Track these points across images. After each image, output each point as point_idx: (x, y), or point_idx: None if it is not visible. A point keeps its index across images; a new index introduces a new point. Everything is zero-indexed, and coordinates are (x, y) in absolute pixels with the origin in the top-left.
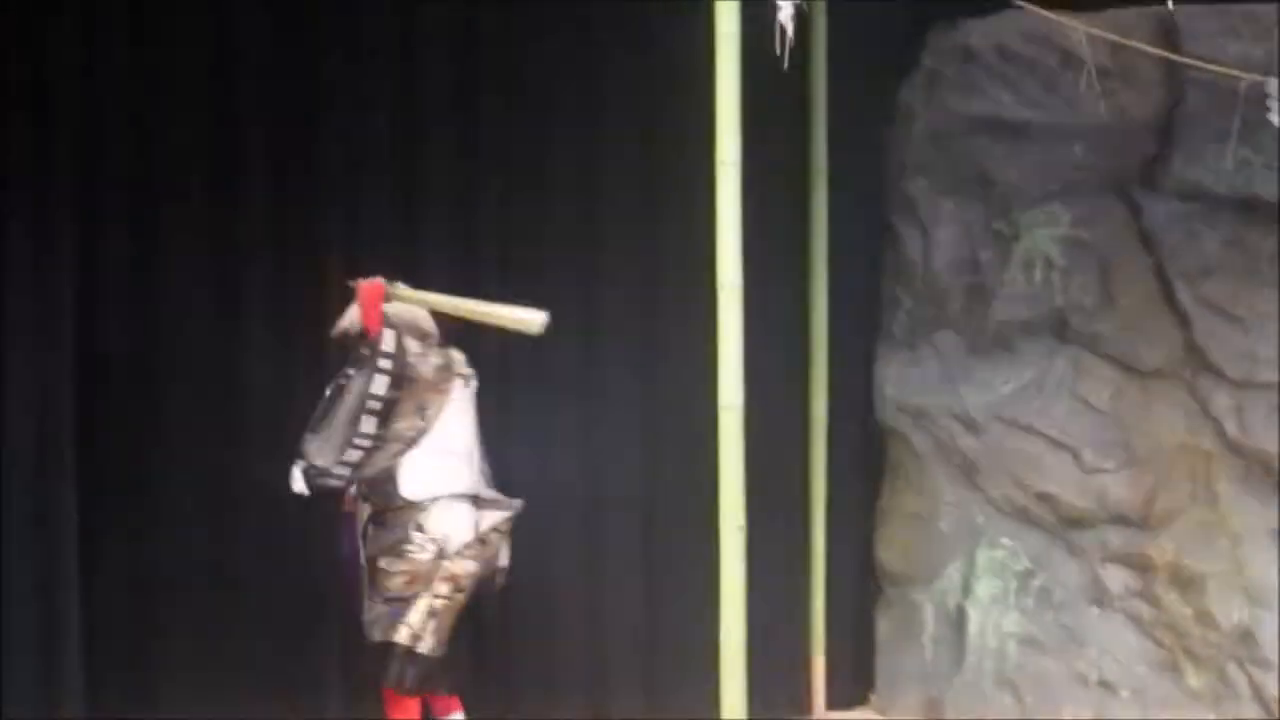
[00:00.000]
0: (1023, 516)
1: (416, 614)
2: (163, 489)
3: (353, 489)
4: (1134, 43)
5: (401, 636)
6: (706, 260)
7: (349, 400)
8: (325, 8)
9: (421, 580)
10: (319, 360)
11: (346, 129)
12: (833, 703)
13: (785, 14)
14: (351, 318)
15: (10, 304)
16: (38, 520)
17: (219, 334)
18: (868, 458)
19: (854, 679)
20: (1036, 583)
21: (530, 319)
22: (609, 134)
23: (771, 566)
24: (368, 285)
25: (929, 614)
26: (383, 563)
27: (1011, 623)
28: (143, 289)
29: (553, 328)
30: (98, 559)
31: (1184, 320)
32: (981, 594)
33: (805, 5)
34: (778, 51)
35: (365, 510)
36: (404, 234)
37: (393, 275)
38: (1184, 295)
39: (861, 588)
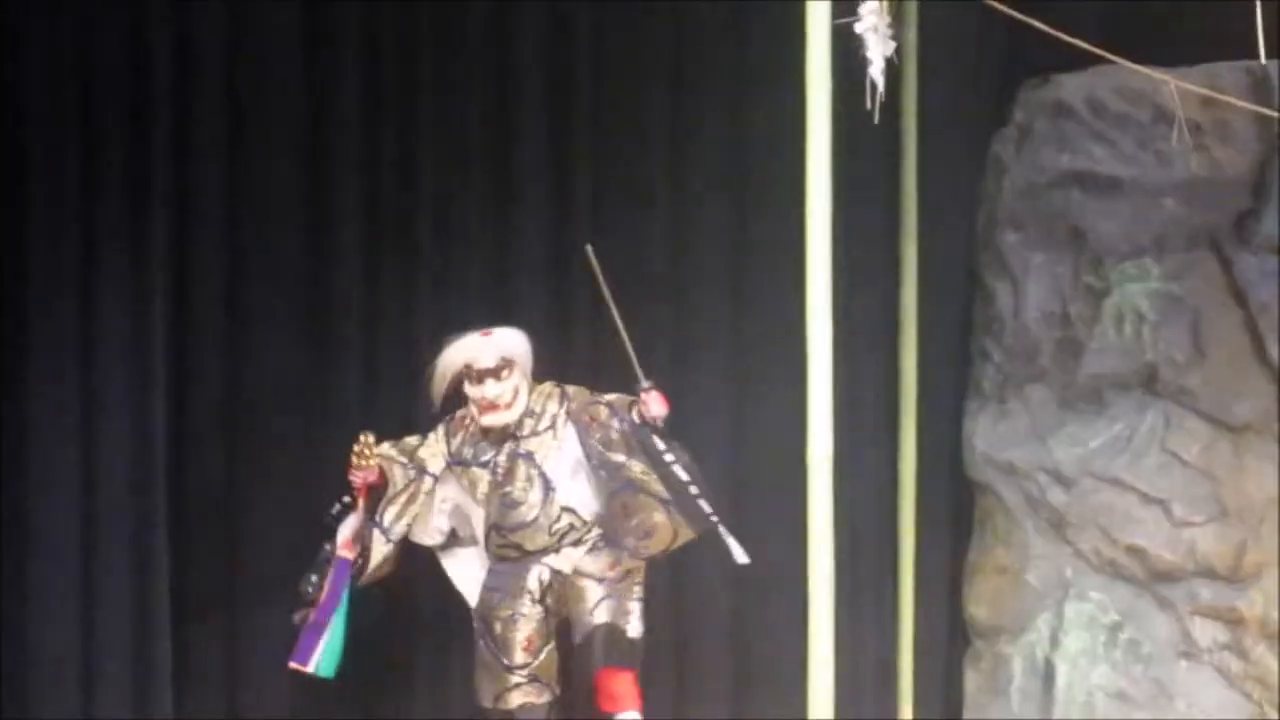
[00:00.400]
0: (1112, 570)
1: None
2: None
3: None
4: (1226, 97)
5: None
6: (797, 313)
7: None
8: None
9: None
10: (410, 377)
11: (441, 136)
12: None
13: (877, 69)
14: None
15: (103, 317)
16: (132, 539)
17: (311, 348)
18: (957, 511)
19: None
20: (1125, 636)
21: None
22: (698, 197)
23: (862, 618)
24: None
25: (1017, 667)
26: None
27: (1100, 676)
28: (235, 304)
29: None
30: (188, 578)
31: (1275, 375)
32: (1070, 647)
33: (896, 59)
34: (869, 106)
35: None
36: (497, 241)
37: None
38: (1275, 350)
39: (950, 641)
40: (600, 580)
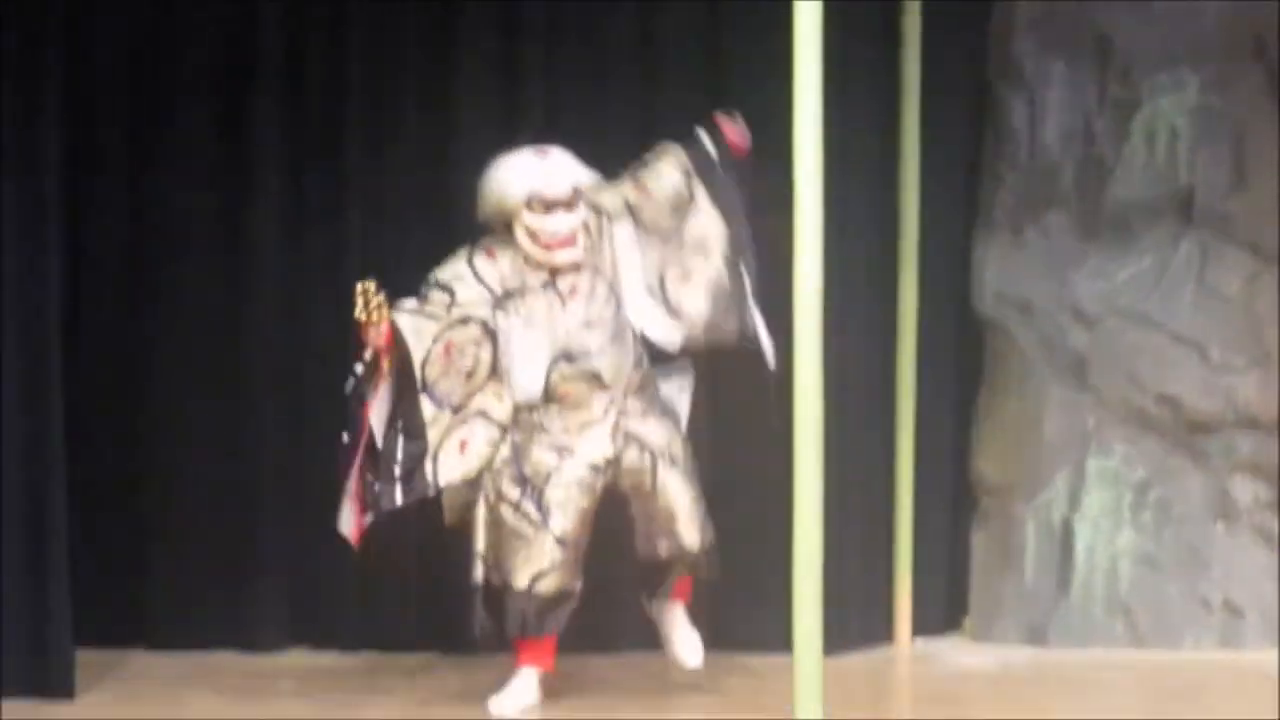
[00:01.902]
0: (1139, 421)
1: None
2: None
3: None
4: None
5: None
6: (782, 134)
7: None
8: None
9: None
10: (337, 255)
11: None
12: (921, 629)
13: None
14: None
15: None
16: (28, 429)
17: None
18: (964, 355)
19: (945, 603)
20: (1154, 495)
21: None
22: None
23: (853, 475)
24: None
25: (1031, 531)
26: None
27: (1125, 540)
28: (137, 185)
29: None
30: (89, 477)
31: None
32: (1091, 508)
33: None
34: None
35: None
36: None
37: None
38: None
39: (955, 501)
40: (689, 479)
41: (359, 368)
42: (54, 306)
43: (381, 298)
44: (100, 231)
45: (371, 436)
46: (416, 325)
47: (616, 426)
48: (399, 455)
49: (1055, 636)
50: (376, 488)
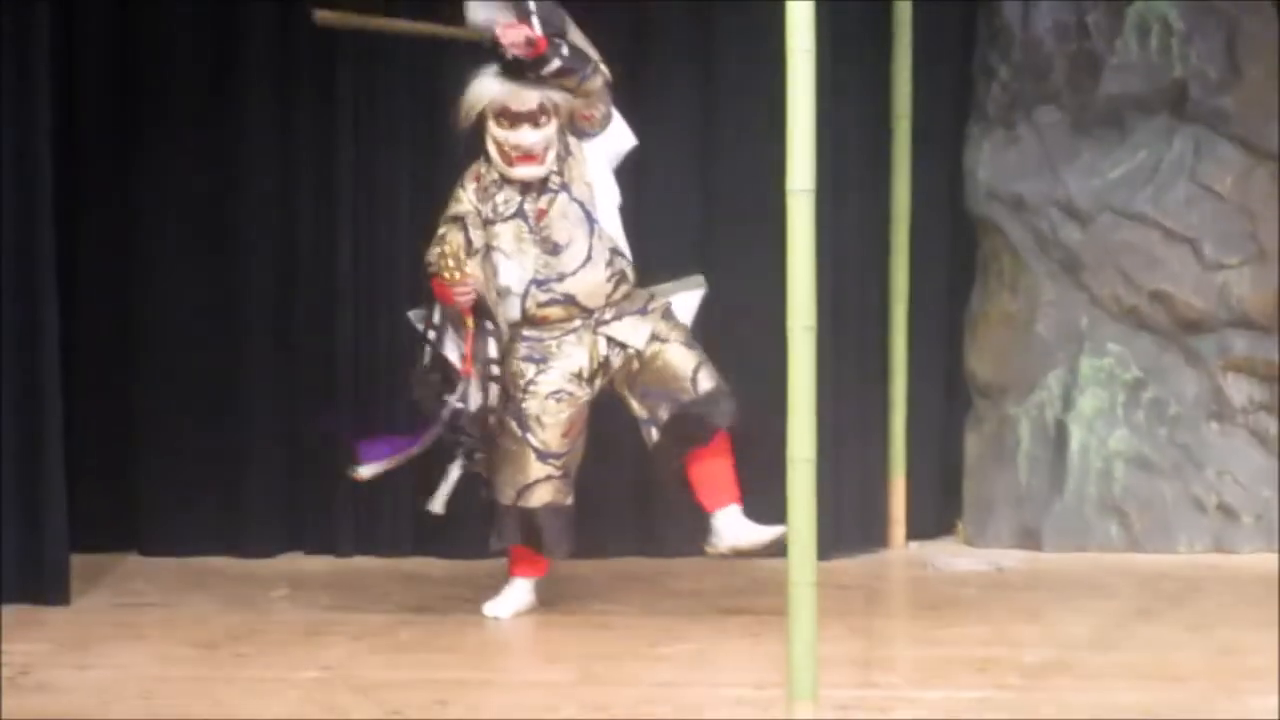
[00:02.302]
0: (1133, 319)
1: None
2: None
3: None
4: None
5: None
6: (777, 28)
7: None
8: None
9: None
10: (327, 148)
11: None
12: (914, 532)
13: None
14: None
15: None
16: (12, 328)
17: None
18: (956, 252)
19: (938, 505)
20: (1148, 395)
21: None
22: None
23: (845, 376)
24: None
25: (1024, 431)
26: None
27: (1119, 440)
28: (128, 72)
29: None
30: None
31: None
32: (1085, 408)
33: None
34: None
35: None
36: None
37: None
38: None
39: (948, 401)
40: (688, 345)
41: (431, 333)
42: (45, 211)
43: (461, 255)
44: (95, 121)
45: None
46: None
47: (594, 335)
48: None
49: (1049, 538)
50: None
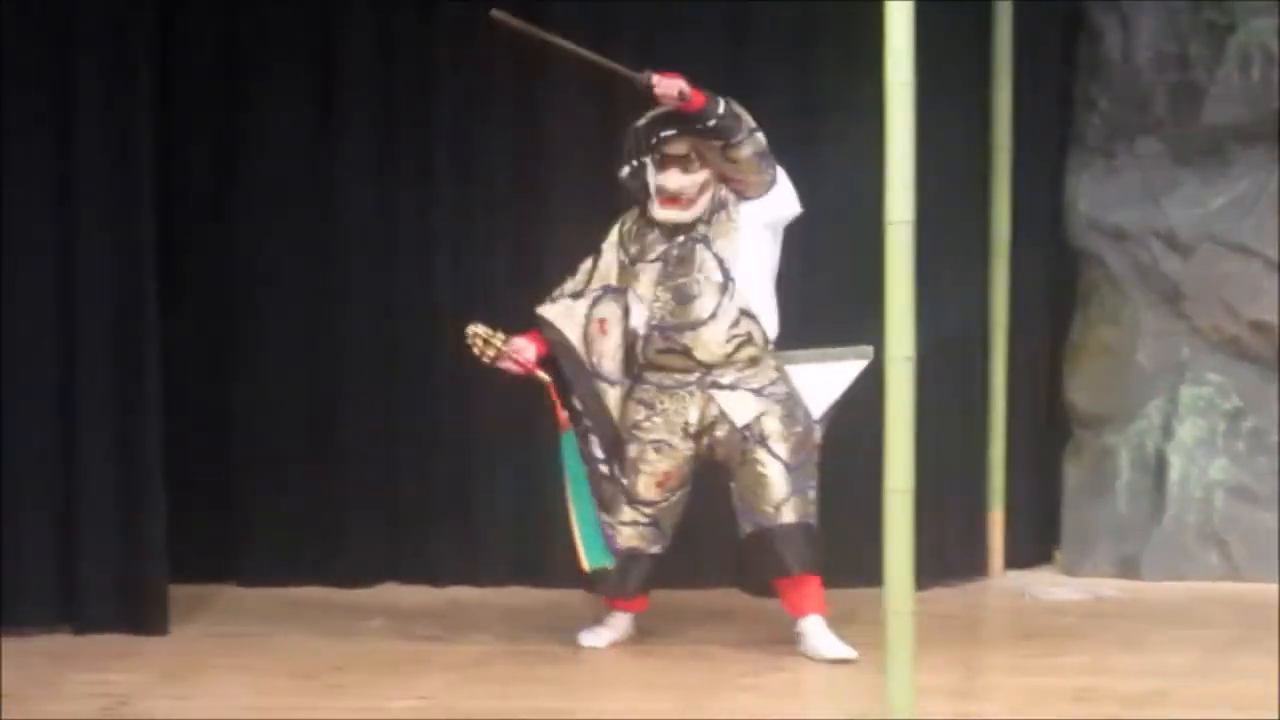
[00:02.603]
0: (1234, 349)
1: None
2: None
3: None
4: None
5: (811, 514)
6: (875, 63)
7: None
8: None
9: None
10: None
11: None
12: (1012, 561)
13: None
14: None
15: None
16: (117, 359)
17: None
18: (1056, 283)
19: (1037, 535)
20: (1248, 424)
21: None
22: None
23: (945, 406)
24: None
25: (1124, 460)
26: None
27: (1219, 470)
28: (227, 101)
29: None
30: (183, 415)
31: None
32: (1185, 437)
33: None
34: None
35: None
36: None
37: None
38: None
39: (1047, 431)
40: (789, 468)
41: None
42: (148, 240)
43: (485, 331)
44: (191, 170)
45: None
46: (564, 309)
47: (707, 396)
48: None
49: (1148, 568)
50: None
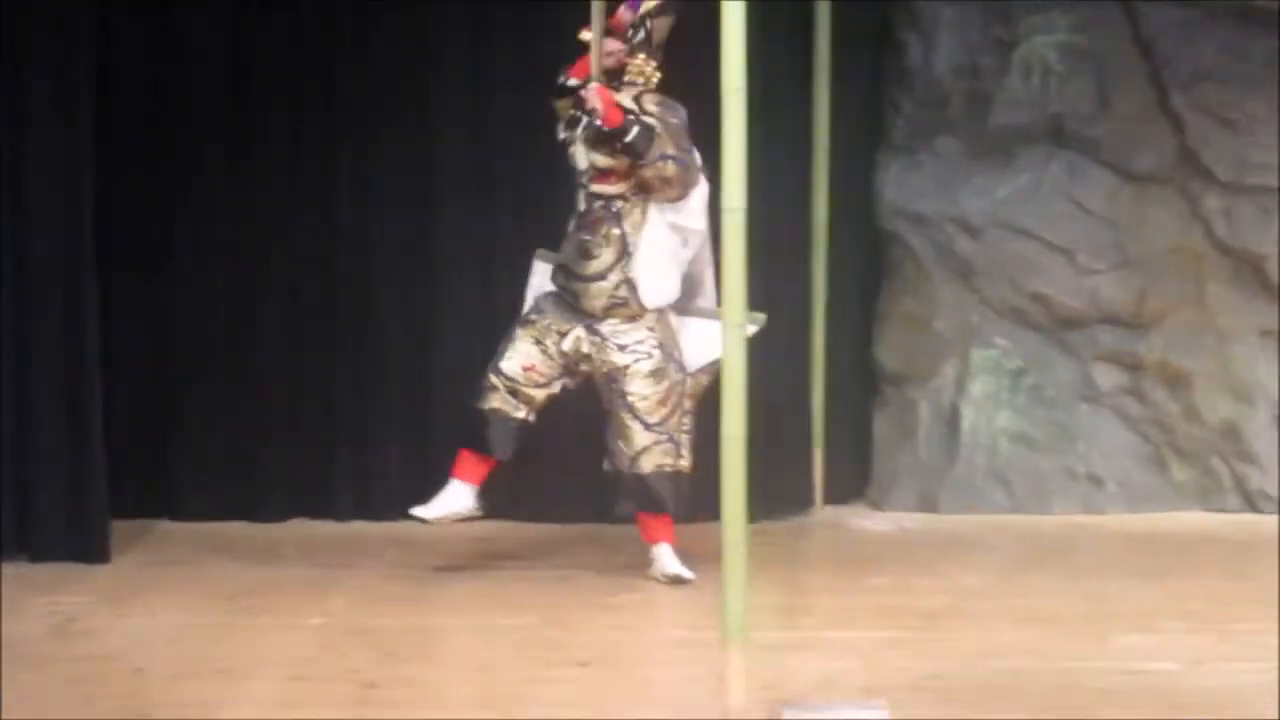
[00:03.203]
0: (1017, 317)
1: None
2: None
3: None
4: None
5: (684, 461)
6: (712, 77)
7: None
8: None
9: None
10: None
11: None
12: (831, 499)
13: None
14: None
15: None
16: (63, 289)
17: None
18: (866, 261)
19: (851, 475)
20: (1029, 381)
21: None
22: None
23: (775, 365)
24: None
25: (924, 412)
26: (636, 387)
27: (1004, 420)
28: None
29: None
30: (120, 362)
31: (1178, 125)
32: (976, 392)
33: None
34: None
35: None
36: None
37: None
38: (1179, 100)
39: (860, 386)
40: (646, 425)
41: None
42: (86, 181)
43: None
44: (128, 111)
45: None
46: None
47: (584, 334)
48: None
49: (945, 503)
50: None
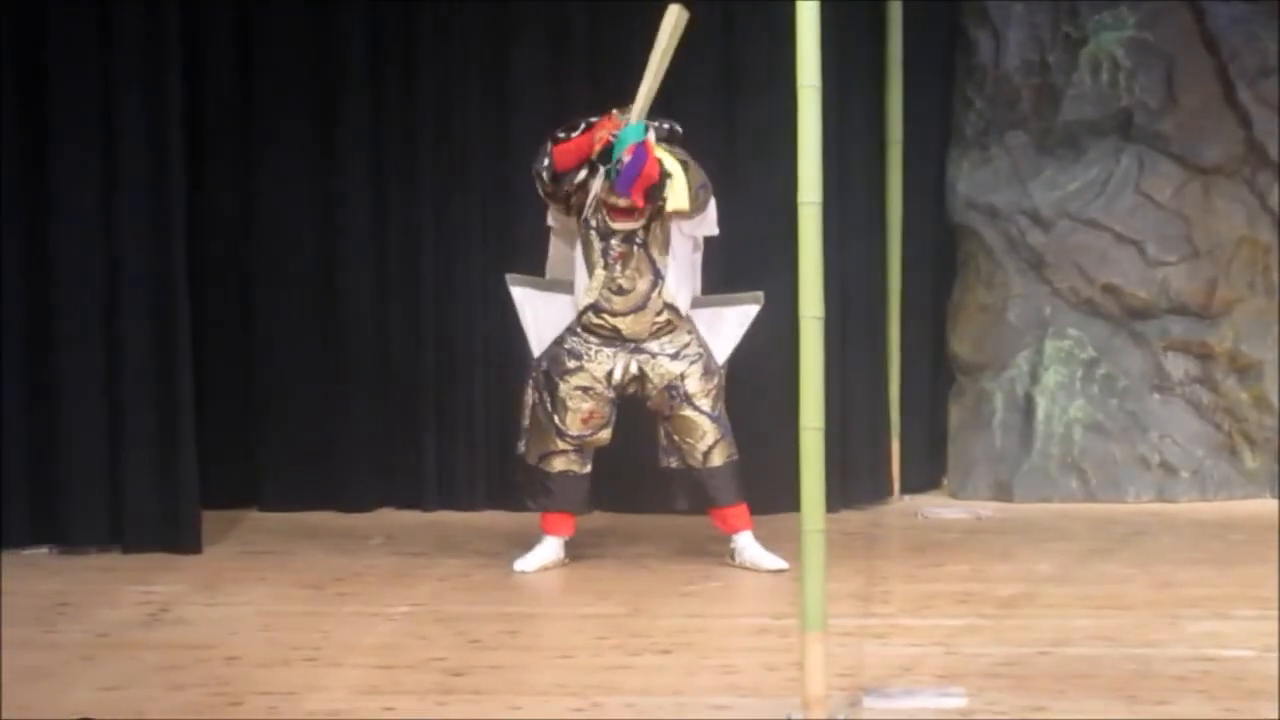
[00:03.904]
0: (1088, 308)
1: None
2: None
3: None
4: None
5: (734, 451)
6: (788, 64)
7: None
8: None
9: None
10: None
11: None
12: (907, 487)
13: None
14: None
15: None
16: (155, 288)
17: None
18: (940, 254)
19: (927, 464)
20: (1101, 370)
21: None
22: None
23: (851, 356)
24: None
25: (999, 402)
26: (697, 386)
27: (1077, 409)
28: (247, 103)
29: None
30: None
31: (1244, 119)
32: (1049, 382)
33: None
34: None
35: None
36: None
37: None
38: (1245, 94)
39: (935, 377)
40: (711, 417)
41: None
42: (179, 190)
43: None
44: (217, 163)
45: None
46: None
47: (630, 358)
48: None
49: (1019, 491)
50: None
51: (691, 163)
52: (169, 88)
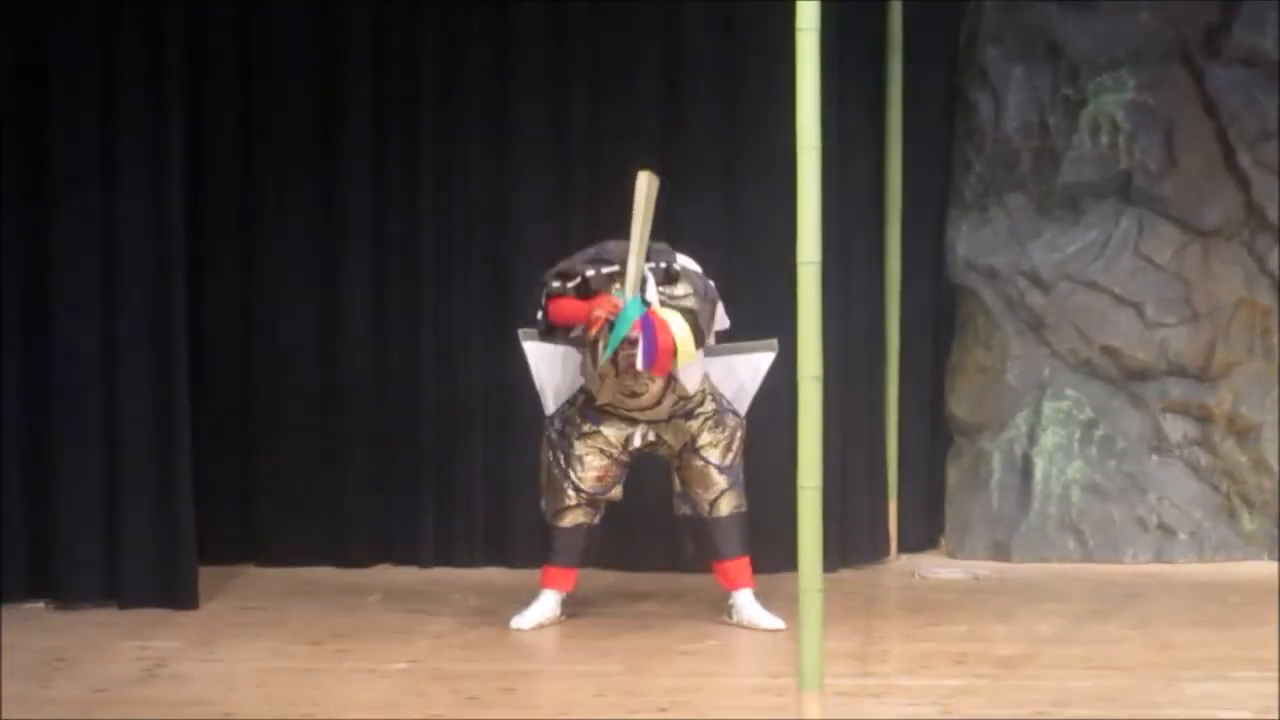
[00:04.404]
0: (1087, 369)
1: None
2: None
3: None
4: None
5: (742, 503)
6: (788, 125)
7: None
8: None
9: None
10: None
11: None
12: (904, 546)
13: None
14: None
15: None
16: (153, 343)
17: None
18: (939, 314)
19: (925, 524)
20: (1099, 432)
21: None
22: None
23: (849, 416)
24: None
25: (997, 462)
26: (707, 437)
27: (1075, 470)
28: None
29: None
30: (208, 419)
31: (1243, 182)
32: (1047, 443)
33: None
34: None
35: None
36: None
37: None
38: (1244, 158)
39: (933, 437)
40: (719, 468)
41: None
42: (179, 251)
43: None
44: (218, 198)
45: None
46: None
47: (648, 427)
48: None
49: (1017, 552)
50: None
51: (694, 280)
52: (172, 115)
